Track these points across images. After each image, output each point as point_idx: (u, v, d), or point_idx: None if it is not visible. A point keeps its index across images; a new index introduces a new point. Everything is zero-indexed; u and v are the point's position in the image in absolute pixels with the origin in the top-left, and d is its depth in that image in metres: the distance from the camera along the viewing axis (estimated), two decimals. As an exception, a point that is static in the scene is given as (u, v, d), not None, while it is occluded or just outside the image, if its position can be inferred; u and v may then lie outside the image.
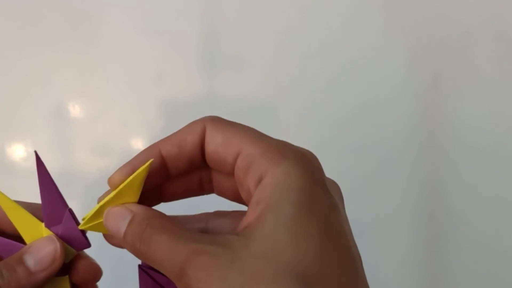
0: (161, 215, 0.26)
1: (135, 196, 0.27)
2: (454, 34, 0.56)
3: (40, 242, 0.27)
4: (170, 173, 0.27)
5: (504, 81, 0.56)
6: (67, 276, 0.28)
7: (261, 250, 0.22)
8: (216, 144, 0.26)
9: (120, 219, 0.26)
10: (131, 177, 0.26)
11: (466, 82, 0.56)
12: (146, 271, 0.28)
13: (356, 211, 0.54)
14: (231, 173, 0.26)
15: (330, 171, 0.57)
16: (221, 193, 0.29)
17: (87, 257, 0.29)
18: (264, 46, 0.56)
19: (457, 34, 0.56)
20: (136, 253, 0.25)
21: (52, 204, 0.28)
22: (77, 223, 0.28)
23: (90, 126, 0.55)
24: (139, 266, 0.28)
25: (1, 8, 0.56)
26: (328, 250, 0.23)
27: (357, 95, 0.55)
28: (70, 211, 0.28)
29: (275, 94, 0.56)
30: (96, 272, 0.29)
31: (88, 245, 0.28)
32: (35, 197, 0.30)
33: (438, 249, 0.54)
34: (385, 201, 0.54)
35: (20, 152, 0.54)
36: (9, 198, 0.28)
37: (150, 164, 0.26)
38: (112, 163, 0.53)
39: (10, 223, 0.28)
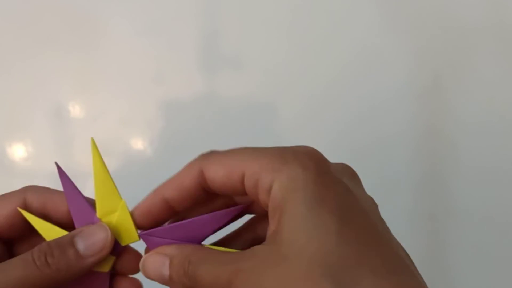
0: (197, 249, 0.27)
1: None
2: (455, 34, 0.56)
3: (91, 228, 0.28)
4: (177, 211, 0.28)
5: (505, 81, 0.56)
6: (113, 257, 0.29)
7: (285, 254, 0.23)
8: (219, 178, 0.26)
9: (159, 266, 0.27)
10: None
11: (466, 82, 0.56)
12: None
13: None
14: (245, 194, 0.27)
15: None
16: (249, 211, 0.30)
17: (132, 250, 0.30)
18: (264, 46, 0.56)
19: (458, 34, 0.56)
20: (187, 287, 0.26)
21: (81, 212, 0.28)
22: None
23: (90, 126, 0.55)
24: None
25: (1, 8, 0.56)
26: (347, 233, 0.23)
27: (357, 95, 0.55)
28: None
29: (275, 94, 0.56)
30: (136, 263, 0.29)
31: (136, 238, 0.29)
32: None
33: (438, 249, 0.54)
34: (385, 201, 0.54)
35: (20, 152, 0.54)
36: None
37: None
38: (112, 163, 0.53)
39: (63, 213, 0.29)
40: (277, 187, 0.24)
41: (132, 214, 0.28)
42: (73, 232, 0.28)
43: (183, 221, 0.27)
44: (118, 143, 0.55)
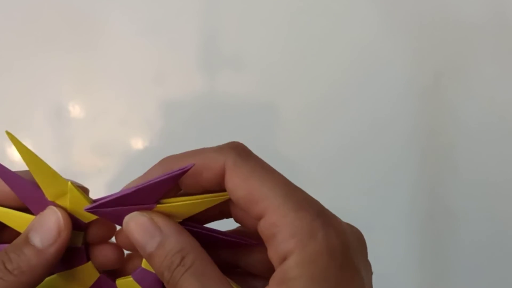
0: (195, 247, 0.24)
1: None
2: (455, 33, 0.56)
3: (42, 217, 0.26)
4: (184, 191, 0.26)
5: (505, 80, 0.56)
6: (82, 232, 0.27)
7: None
8: (237, 197, 0.24)
9: (148, 236, 0.25)
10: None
11: (466, 81, 0.56)
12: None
13: (356, 211, 0.54)
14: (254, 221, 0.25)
15: (330, 171, 0.57)
16: (241, 225, 0.28)
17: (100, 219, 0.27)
18: (264, 46, 0.56)
19: (458, 33, 0.56)
20: (163, 280, 0.24)
21: (34, 199, 0.27)
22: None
23: (90, 126, 0.55)
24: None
25: (0, 7, 0.56)
26: None
27: (357, 94, 0.55)
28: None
29: (275, 94, 0.56)
30: (109, 229, 0.27)
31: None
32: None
33: (439, 249, 0.54)
34: (386, 200, 0.54)
35: (20, 152, 0.54)
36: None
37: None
38: (112, 163, 0.53)
39: (14, 198, 0.27)
40: (294, 263, 0.22)
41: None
42: (27, 228, 0.26)
43: (128, 191, 0.25)
44: (118, 143, 0.55)
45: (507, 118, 0.55)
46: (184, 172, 0.24)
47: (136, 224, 0.25)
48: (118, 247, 0.28)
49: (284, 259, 0.23)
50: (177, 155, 0.26)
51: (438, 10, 0.57)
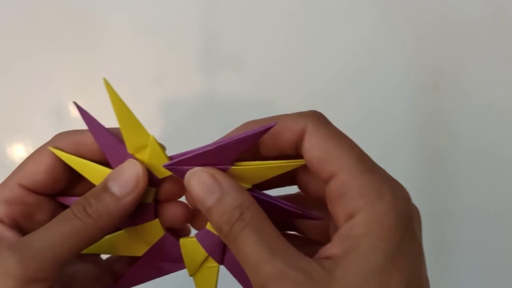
0: (253, 204, 0.25)
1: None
2: (453, 32, 0.56)
3: (121, 168, 0.27)
4: (261, 154, 0.27)
5: (504, 80, 0.56)
6: (154, 189, 0.28)
7: None
8: (312, 156, 0.25)
9: (208, 191, 0.25)
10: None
11: (465, 80, 0.56)
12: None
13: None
14: (323, 182, 0.26)
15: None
16: (305, 192, 0.29)
17: (172, 177, 0.29)
18: (264, 45, 0.56)
19: (456, 32, 0.56)
20: (220, 234, 0.25)
21: (113, 150, 0.28)
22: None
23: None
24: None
25: (0, 7, 0.56)
26: None
27: (356, 93, 0.55)
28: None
29: (275, 93, 0.56)
30: (181, 188, 0.28)
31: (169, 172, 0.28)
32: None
33: (438, 248, 0.54)
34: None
35: (20, 152, 0.54)
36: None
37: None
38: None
39: (94, 151, 0.28)
40: (361, 220, 0.23)
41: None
42: (106, 177, 0.27)
43: (209, 147, 0.26)
44: (118, 143, 0.55)
45: (506, 118, 0.55)
46: (267, 129, 0.25)
47: (197, 179, 0.26)
48: (187, 206, 0.29)
49: (351, 216, 0.24)
50: (258, 119, 0.27)
51: (437, 9, 0.57)
